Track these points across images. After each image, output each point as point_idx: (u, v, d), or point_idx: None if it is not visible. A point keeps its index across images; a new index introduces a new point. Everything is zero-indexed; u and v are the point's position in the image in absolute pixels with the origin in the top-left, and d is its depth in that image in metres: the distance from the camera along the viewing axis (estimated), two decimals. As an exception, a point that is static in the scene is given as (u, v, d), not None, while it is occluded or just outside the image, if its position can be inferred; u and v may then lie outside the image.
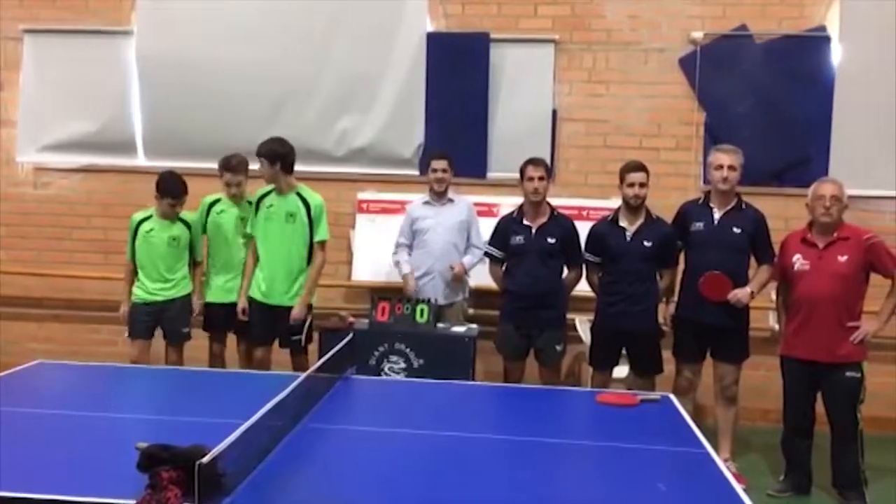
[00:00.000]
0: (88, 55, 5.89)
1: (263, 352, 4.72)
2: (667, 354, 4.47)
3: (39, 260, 6.00)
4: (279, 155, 4.54)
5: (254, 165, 4.97)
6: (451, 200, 4.96)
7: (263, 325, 4.67)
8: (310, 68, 5.73)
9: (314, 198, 4.68)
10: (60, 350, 5.68)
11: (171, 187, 4.61)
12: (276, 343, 4.72)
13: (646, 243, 4.32)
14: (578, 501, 2.29)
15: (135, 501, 2.03)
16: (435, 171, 4.89)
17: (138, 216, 4.72)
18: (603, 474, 2.56)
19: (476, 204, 5.11)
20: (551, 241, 4.45)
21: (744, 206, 4.35)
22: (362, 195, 5.70)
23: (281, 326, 4.63)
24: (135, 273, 4.72)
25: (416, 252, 4.95)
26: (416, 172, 5.72)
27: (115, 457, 2.38)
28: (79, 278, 5.91)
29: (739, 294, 4.20)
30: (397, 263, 5.00)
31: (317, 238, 4.66)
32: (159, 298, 4.67)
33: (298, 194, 4.65)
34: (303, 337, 4.61)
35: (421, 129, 5.71)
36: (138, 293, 4.69)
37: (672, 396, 3.45)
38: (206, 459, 2.00)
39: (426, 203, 4.98)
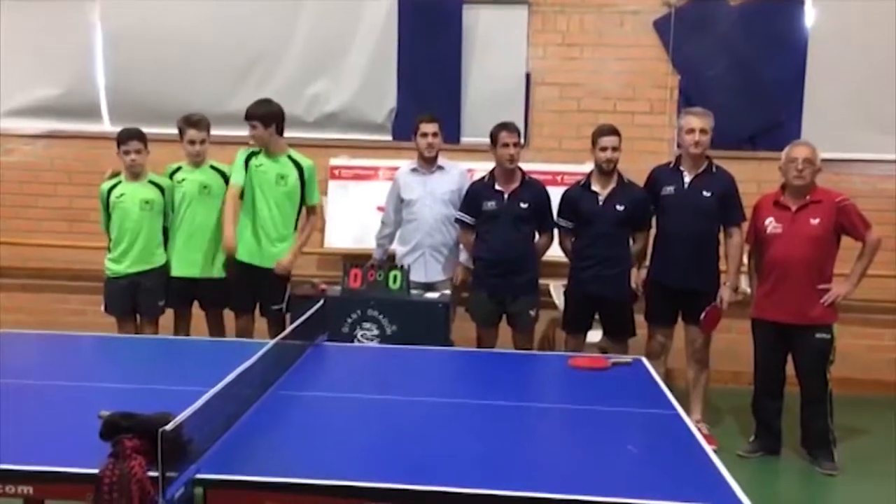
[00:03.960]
0: (51, 18, 5.69)
1: (246, 321, 4.65)
2: (639, 318, 4.48)
3: (5, 228, 5.86)
4: (275, 116, 4.48)
5: (223, 131, 4.90)
6: (441, 168, 4.68)
7: (246, 290, 4.58)
8: (279, 31, 5.60)
9: (306, 161, 4.61)
10: (29, 320, 5.58)
11: (132, 131, 4.48)
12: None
13: (618, 207, 4.30)
14: (550, 464, 2.30)
15: (97, 470, 2.00)
16: (425, 135, 4.58)
17: (107, 184, 4.56)
18: (574, 437, 2.57)
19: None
20: (524, 206, 4.41)
21: (714, 169, 4.34)
22: (334, 161, 5.62)
23: (264, 290, 4.56)
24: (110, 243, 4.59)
25: (404, 226, 4.73)
26: (389, 138, 5.65)
27: (77, 426, 2.34)
28: (45, 247, 5.79)
29: (724, 296, 4.27)
30: (379, 247, 4.87)
31: (312, 201, 4.62)
32: (134, 271, 4.52)
33: (290, 157, 4.57)
34: (284, 305, 4.54)
35: (393, 94, 5.62)
36: (111, 266, 4.55)
37: (643, 359, 3.46)
38: (169, 427, 1.97)
39: (414, 171, 4.70)
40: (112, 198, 4.53)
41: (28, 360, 3.25)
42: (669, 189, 4.33)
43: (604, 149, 4.30)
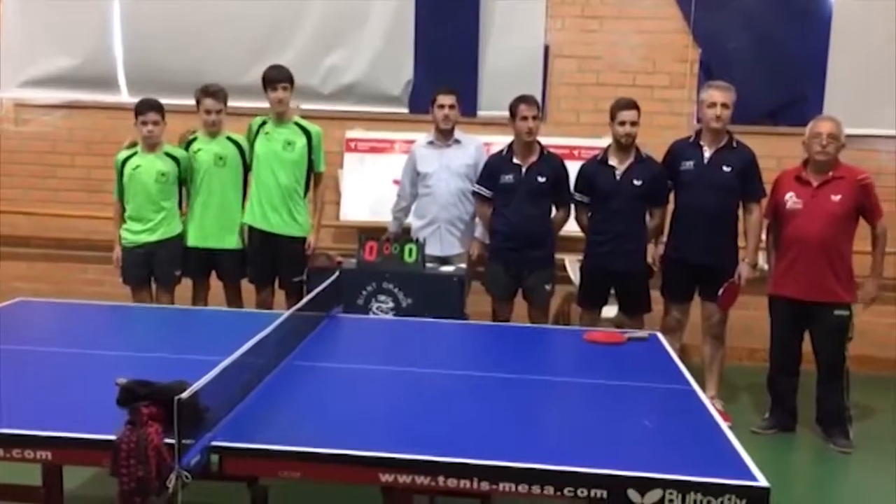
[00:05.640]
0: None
1: (266, 294, 4.69)
2: (655, 294, 4.46)
3: (25, 199, 5.90)
4: (292, 79, 4.53)
5: (239, 102, 4.89)
6: (457, 141, 4.65)
7: (264, 262, 4.61)
8: (295, 2, 5.57)
9: (314, 127, 4.63)
10: (48, 289, 5.64)
11: (150, 102, 4.50)
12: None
13: (635, 182, 4.26)
14: (565, 437, 2.30)
15: (115, 437, 2.02)
16: (442, 106, 4.56)
17: (122, 154, 4.58)
18: (590, 411, 2.56)
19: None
20: (541, 179, 4.39)
21: (735, 144, 4.29)
22: (350, 134, 5.60)
23: (283, 263, 4.60)
24: (123, 213, 4.61)
25: (419, 199, 4.73)
26: (406, 110, 5.62)
27: (95, 393, 2.37)
28: (64, 217, 5.83)
29: (742, 273, 4.22)
30: (395, 220, 4.87)
31: (319, 168, 4.65)
32: (150, 240, 4.55)
33: (297, 123, 4.58)
34: (304, 278, 4.55)
35: (410, 66, 5.58)
36: (127, 236, 4.58)
37: (659, 334, 3.45)
38: (185, 394, 1.98)
39: (430, 143, 4.68)
40: (127, 168, 4.54)
41: (47, 328, 3.30)
42: (689, 164, 4.28)
43: (622, 123, 4.26)
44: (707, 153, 4.27)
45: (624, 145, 4.29)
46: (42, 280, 5.89)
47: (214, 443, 2.07)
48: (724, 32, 5.38)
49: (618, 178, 4.28)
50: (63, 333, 3.20)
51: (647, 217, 4.39)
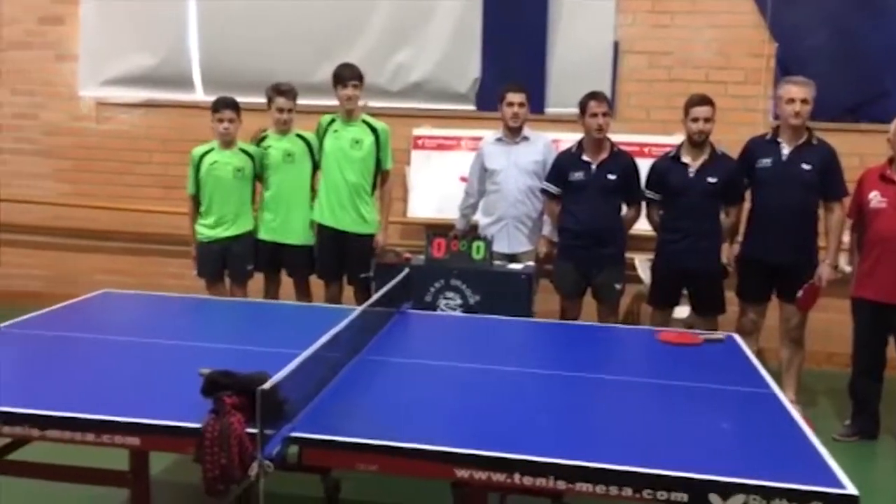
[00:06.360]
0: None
1: (334, 289, 4.76)
2: (729, 294, 4.35)
3: (103, 194, 6.11)
4: (362, 77, 4.59)
5: (308, 100, 4.95)
6: (526, 138, 4.61)
7: (332, 257, 4.68)
8: (364, 0, 5.62)
9: (381, 124, 4.67)
10: (129, 282, 5.80)
11: (226, 100, 4.61)
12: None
13: (710, 179, 4.18)
14: (641, 439, 2.25)
15: (200, 425, 2.07)
16: (511, 104, 4.53)
17: (199, 150, 4.70)
18: (665, 412, 2.51)
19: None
20: (612, 177, 4.33)
21: (815, 141, 4.15)
22: (418, 131, 5.63)
23: (350, 258, 4.65)
24: (197, 208, 4.73)
25: (487, 196, 4.72)
26: (473, 107, 5.61)
27: (179, 383, 2.44)
28: (142, 212, 6.02)
29: (823, 274, 4.10)
30: (463, 217, 4.88)
31: (386, 166, 4.69)
32: (224, 235, 4.66)
33: (365, 121, 4.64)
34: (370, 274, 4.60)
35: (477, 63, 5.57)
36: (203, 231, 4.70)
37: (736, 336, 3.36)
38: (267, 386, 2.02)
39: (498, 140, 4.66)
40: (204, 164, 4.65)
41: (130, 319, 3.40)
42: (766, 161, 4.17)
43: (695, 119, 4.17)
44: (785, 150, 4.15)
45: (697, 142, 4.20)
46: (124, 273, 6.09)
47: (294, 434, 2.11)
48: (802, 27, 5.21)
49: (691, 175, 4.20)
50: (145, 324, 3.30)
51: (722, 215, 4.28)
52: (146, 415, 2.18)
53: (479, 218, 4.84)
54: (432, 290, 4.38)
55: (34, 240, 6.28)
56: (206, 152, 4.68)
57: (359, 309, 3.05)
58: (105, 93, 6.07)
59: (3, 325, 3.09)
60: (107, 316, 3.42)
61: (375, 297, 3.39)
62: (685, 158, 4.25)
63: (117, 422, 2.16)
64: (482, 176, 4.73)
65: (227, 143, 4.64)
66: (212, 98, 4.79)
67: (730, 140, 4.45)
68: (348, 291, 4.80)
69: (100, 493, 2.65)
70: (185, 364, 2.56)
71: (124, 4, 5.91)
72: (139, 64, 5.94)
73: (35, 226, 6.24)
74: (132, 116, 6.09)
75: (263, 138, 4.75)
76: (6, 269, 6.35)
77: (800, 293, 4.09)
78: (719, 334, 3.34)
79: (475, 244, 4.43)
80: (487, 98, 5.34)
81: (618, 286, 4.42)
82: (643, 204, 4.44)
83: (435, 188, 5.51)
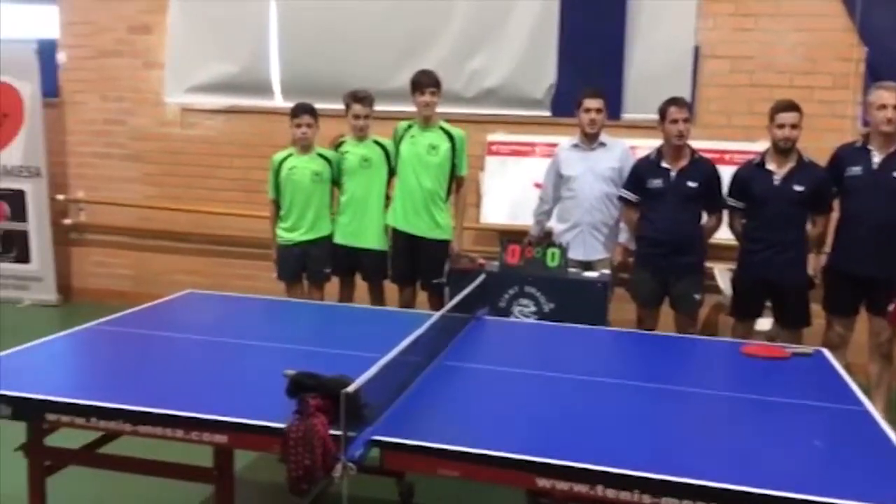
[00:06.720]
0: (231, 1, 6.04)
1: (408, 294, 4.79)
2: (815, 307, 4.20)
3: (186, 196, 6.32)
4: (440, 84, 4.63)
5: (384, 106, 5.01)
6: (602, 144, 4.58)
7: (405, 262, 4.72)
8: (439, 6, 5.67)
9: (457, 131, 4.70)
10: (204, 282, 5.94)
11: (305, 105, 4.70)
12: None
13: (796, 188, 4.04)
14: (728, 453, 2.18)
15: (285, 425, 2.11)
16: (588, 110, 4.50)
17: (279, 156, 4.81)
18: (753, 427, 2.43)
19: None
20: (692, 185, 4.24)
21: (909, 149, 3.98)
22: (492, 137, 5.63)
23: (423, 264, 4.68)
24: (278, 212, 4.83)
25: (563, 203, 4.67)
26: (548, 113, 5.58)
27: (263, 383, 2.48)
28: (222, 215, 6.20)
29: None
30: (537, 223, 4.86)
31: (461, 172, 4.71)
32: (304, 238, 4.75)
33: (441, 127, 4.67)
34: (444, 280, 4.62)
35: (553, 69, 5.54)
36: (283, 234, 4.80)
37: (826, 351, 3.23)
38: (350, 389, 2.05)
39: (575, 146, 4.63)
40: (284, 170, 4.75)
41: (214, 319, 3.49)
42: (856, 170, 4.01)
43: (781, 126, 4.05)
44: (877, 158, 3.99)
45: (783, 149, 4.07)
46: (197, 273, 6.28)
47: (376, 437, 2.12)
48: (894, 30, 5.01)
49: (776, 183, 4.07)
50: (228, 324, 3.38)
51: (808, 225, 4.14)
52: (233, 413, 2.23)
53: (554, 224, 4.81)
54: (506, 296, 4.36)
55: (121, 240, 6.54)
56: (286, 157, 4.78)
57: (438, 314, 3.06)
58: (189, 99, 6.27)
59: (97, 322, 3.22)
60: (192, 315, 3.53)
61: (453, 302, 3.39)
62: (770, 166, 4.12)
63: (207, 419, 2.22)
64: (557, 182, 4.69)
65: (305, 147, 4.73)
66: (290, 104, 4.89)
67: (816, 147, 4.29)
68: (422, 296, 4.83)
69: (176, 488, 2.70)
70: (268, 364, 2.62)
71: (208, 15, 6.11)
72: (222, 71, 6.12)
73: (122, 227, 6.50)
74: (215, 122, 6.29)
75: (341, 144, 4.83)
76: (95, 269, 6.63)
77: (891, 307, 3.92)
78: (808, 348, 3.22)
79: (550, 251, 4.39)
80: (562, 104, 5.31)
81: (696, 296, 4.32)
82: (724, 212, 4.33)
83: (509, 194, 5.51)
